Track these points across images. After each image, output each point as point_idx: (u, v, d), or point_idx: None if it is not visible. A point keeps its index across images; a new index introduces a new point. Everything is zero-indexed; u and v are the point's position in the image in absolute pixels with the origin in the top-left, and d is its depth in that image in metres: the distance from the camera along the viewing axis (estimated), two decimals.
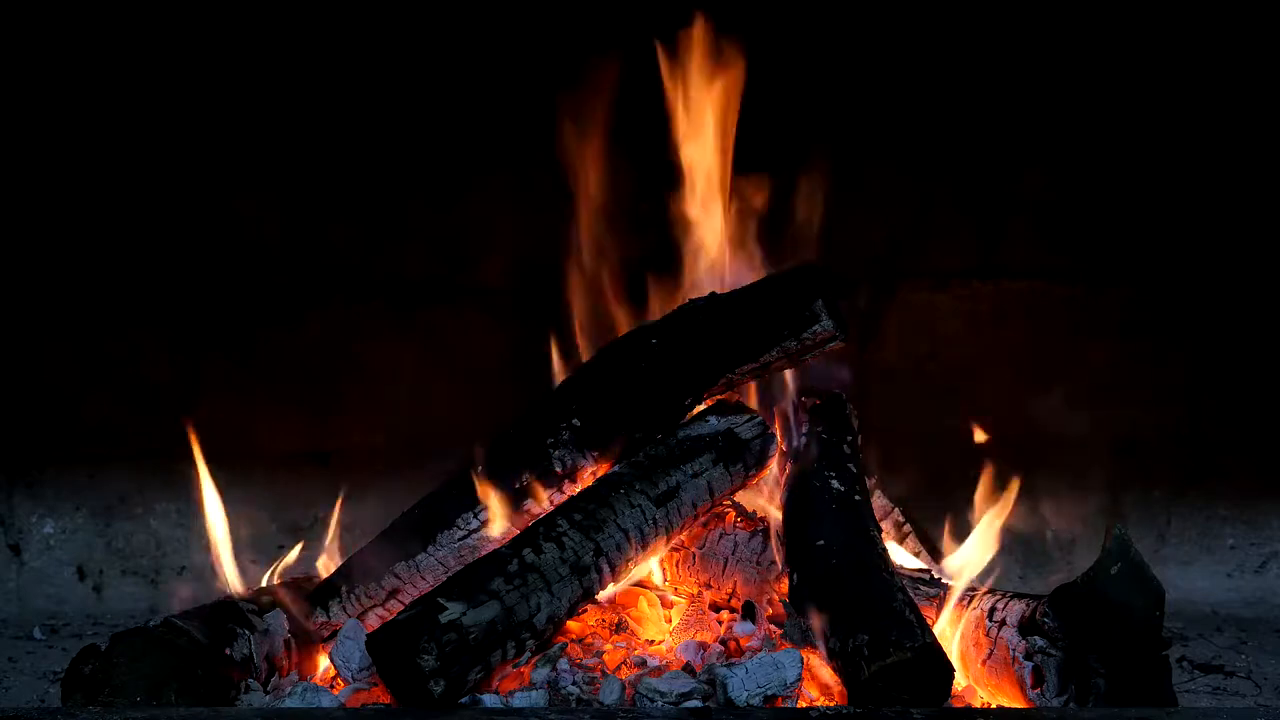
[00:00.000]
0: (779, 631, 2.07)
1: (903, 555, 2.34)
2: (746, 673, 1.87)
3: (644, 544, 2.09)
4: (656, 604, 2.22)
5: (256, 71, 2.89)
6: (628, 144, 2.57)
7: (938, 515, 2.48)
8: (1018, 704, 1.91)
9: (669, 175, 2.49)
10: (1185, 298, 3.00)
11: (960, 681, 2.00)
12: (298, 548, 2.40)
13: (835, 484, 2.18)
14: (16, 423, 2.98)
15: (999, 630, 1.96)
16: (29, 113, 2.89)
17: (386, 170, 2.96)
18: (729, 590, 2.25)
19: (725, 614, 2.22)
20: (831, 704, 1.91)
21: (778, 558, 2.17)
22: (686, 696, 1.88)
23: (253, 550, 2.98)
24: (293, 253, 2.98)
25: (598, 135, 2.56)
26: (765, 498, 2.36)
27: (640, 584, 2.26)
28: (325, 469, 3.01)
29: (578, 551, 2.00)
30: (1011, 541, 2.99)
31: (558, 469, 2.20)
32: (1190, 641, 2.64)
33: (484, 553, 2.07)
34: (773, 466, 2.28)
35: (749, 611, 2.18)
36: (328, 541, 2.39)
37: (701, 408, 2.27)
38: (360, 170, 2.95)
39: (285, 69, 2.89)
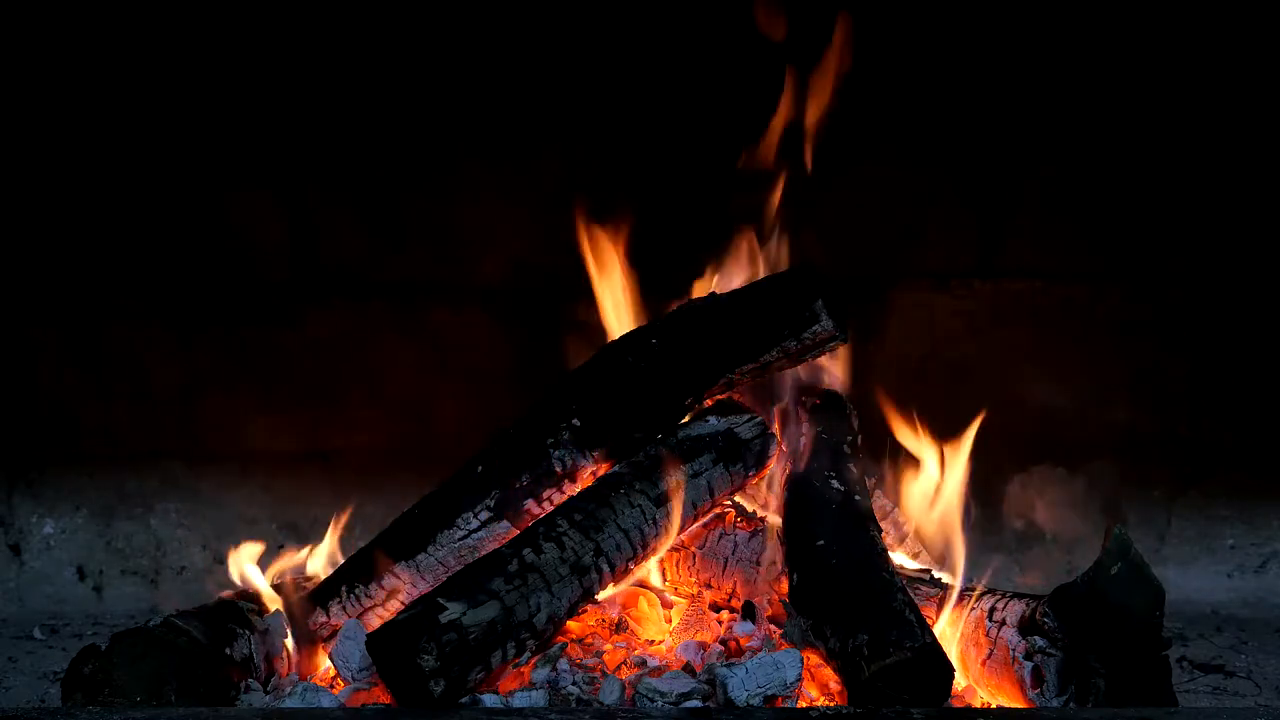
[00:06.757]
0: (779, 631, 2.06)
1: (903, 555, 2.34)
2: (746, 673, 1.87)
3: (644, 544, 2.08)
4: (656, 604, 2.22)
5: (255, 67, 2.89)
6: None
7: None
8: (1018, 704, 1.91)
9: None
10: (1186, 298, 3.00)
11: (960, 681, 1.99)
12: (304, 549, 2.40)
13: (835, 484, 2.17)
14: (16, 422, 2.98)
15: (999, 630, 1.96)
16: (27, 109, 2.89)
17: (387, 169, 2.96)
18: (729, 590, 2.24)
19: (725, 614, 2.22)
20: (831, 704, 1.91)
21: (778, 558, 2.17)
22: (686, 696, 1.88)
23: None
24: (292, 252, 2.98)
25: None
26: (765, 498, 2.36)
27: (640, 584, 2.26)
28: (325, 469, 3.01)
29: (578, 551, 2.00)
30: (1012, 541, 3.01)
31: (558, 469, 2.20)
32: (1190, 641, 2.64)
33: (484, 553, 2.07)
34: (773, 466, 2.28)
35: (749, 611, 2.18)
36: (328, 542, 2.39)
37: (701, 408, 2.27)
38: (360, 169, 2.95)
39: (284, 65, 2.89)
